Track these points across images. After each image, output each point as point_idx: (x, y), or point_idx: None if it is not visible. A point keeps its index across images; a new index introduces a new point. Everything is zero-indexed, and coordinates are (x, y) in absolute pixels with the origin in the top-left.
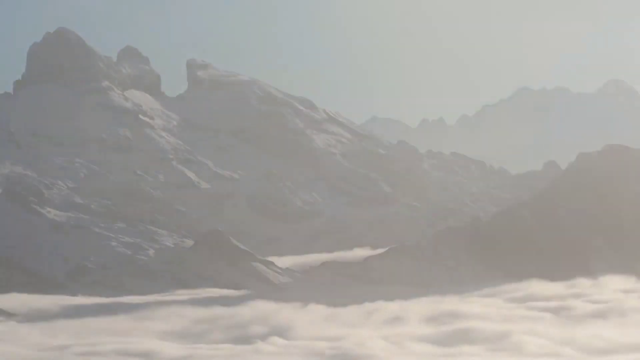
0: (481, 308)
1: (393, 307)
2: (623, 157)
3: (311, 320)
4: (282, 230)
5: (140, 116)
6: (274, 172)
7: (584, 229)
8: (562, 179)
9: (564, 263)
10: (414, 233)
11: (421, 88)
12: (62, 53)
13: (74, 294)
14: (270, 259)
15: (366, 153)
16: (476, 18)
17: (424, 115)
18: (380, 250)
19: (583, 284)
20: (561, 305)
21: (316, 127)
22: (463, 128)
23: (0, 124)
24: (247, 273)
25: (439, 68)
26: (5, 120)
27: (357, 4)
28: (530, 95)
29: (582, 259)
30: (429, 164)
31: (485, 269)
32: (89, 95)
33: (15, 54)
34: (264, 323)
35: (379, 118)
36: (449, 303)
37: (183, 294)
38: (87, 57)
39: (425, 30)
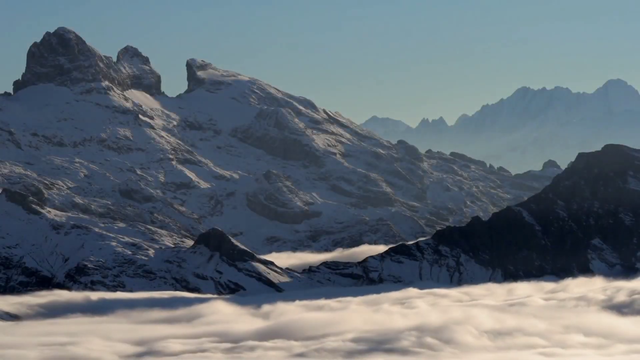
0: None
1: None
2: (623, 157)
3: (321, 318)
4: (282, 230)
5: (140, 116)
6: (274, 172)
7: (583, 229)
8: (562, 179)
9: (564, 263)
10: (414, 233)
11: (421, 88)
12: (62, 53)
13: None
14: (270, 259)
15: (366, 153)
16: (476, 18)
17: (424, 115)
18: (380, 250)
19: (566, 283)
20: (515, 303)
21: (316, 127)
22: (463, 128)
23: (1, 124)
24: (247, 273)
25: (439, 68)
26: (5, 120)
27: (357, 5)
28: (530, 95)
29: (582, 259)
30: (429, 164)
31: (485, 269)
32: (89, 95)
33: (15, 54)
34: (268, 322)
35: (379, 118)
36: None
37: (183, 294)
38: (87, 57)
39: (425, 30)
